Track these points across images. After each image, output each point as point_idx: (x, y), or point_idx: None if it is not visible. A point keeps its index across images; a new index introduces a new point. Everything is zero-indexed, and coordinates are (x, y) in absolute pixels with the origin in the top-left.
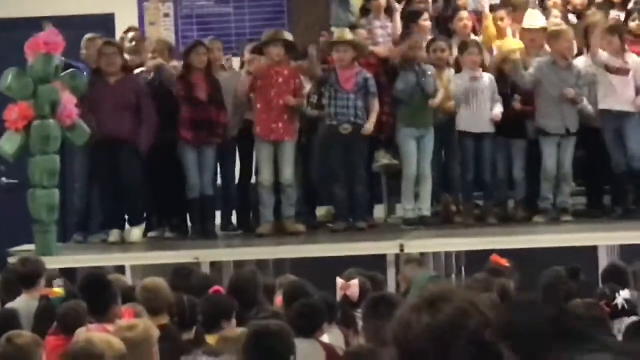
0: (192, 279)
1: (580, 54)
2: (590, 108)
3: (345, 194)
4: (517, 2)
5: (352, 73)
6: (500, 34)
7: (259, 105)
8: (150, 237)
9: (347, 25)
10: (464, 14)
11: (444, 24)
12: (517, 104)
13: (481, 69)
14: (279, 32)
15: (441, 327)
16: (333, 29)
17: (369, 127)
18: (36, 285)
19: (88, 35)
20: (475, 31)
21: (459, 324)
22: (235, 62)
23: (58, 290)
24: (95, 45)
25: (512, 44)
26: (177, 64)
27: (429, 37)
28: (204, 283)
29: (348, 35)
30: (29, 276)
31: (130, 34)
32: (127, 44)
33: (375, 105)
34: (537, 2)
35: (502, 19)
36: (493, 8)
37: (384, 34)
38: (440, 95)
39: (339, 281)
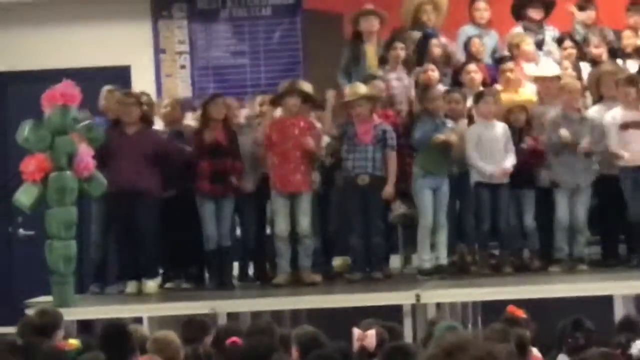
0: (212, 330)
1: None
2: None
3: (362, 245)
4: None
5: (370, 126)
6: (510, 85)
7: (275, 158)
8: (166, 288)
9: (358, 78)
10: (471, 67)
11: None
12: (526, 145)
13: (495, 119)
14: (295, 82)
15: None
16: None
17: (389, 190)
18: (53, 336)
19: (107, 87)
20: (485, 83)
21: None
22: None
23: (74, 342)
24: (114, 97)
25: (526, 95)
26: (190, 121)
27: (441, 88)
28: (220, 335)
29: (361, 89)
30: (45, 328)
31: (143, 99)
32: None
33: (393, 159)
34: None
35: (511, 71)
36: (502, 60)
37: (399, 86)
38: (454, 139)
39: (356, 331)
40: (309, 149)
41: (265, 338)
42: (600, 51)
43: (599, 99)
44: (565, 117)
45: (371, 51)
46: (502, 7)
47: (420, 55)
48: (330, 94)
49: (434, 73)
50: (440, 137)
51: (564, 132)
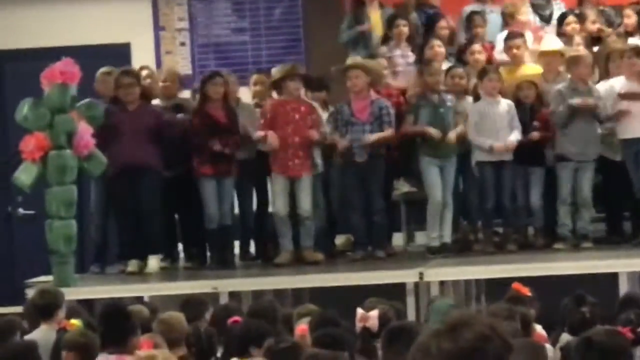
0: (212, 309)
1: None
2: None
3: (362, 223)
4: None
5: (366, 102)
6: (517, 61)
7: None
8: (167, 267)
9: (356, 42)
10: (476, 46)
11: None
12: (535, 134)
13: (500, 96)
14: (296, 66)
15: (461, 353)
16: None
17: (371, 137)
18: (54, 316)
19: (103, 69)
20: (490, 62)
21: (479, 348)
22: (243, 92)
23: (75, 322)
24: (111, 77)
25: (530, 70)
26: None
27: (445, 65)
28: (222, 313)
29: (359, 60)
30: (47, 307)
31: (144, 72)
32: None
33: (389, 135)
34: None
35: (518, 47)
36: (509, 36)
37: (404, 63)
38: (458, 130)
39: (359, 312)
40: (313, 139)
41: (266, 317)
42: (597, 27)
43: (605, 75)
44: (573, 89)
45: (375, 16)
46: None
47: (427, 36)
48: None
49: (440, 49)
50: (432, 131)
51: (576, 100)
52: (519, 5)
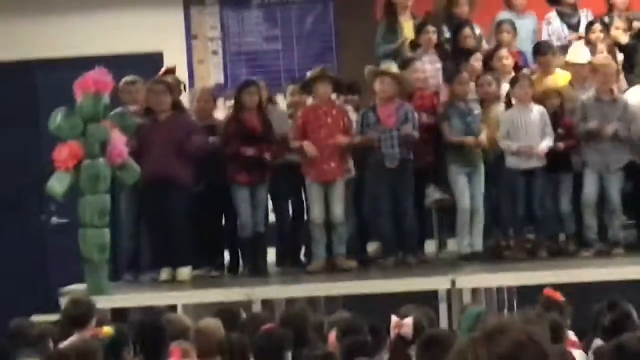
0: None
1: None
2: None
3: (392, 228)
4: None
5: (393, 108)
6: (547, 70)
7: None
8: (200, 276)
9: (391, 55)
10: (503, 52)
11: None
12: (560, 145)
13: (532, 103)
14: (326, 69)
15: None
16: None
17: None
18: (87, 325)
19: (126, 79)
20: (517, 68)
21: (516, 356)
22: (280, 99)
23: (108, 329)
24: (135, 87)
25: (559, 80)
26: (221, 113)
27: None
28: (254, 322)
29: (394, 68)
30: (80, 317)
31: (168, 78)
32: None
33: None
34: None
35: (548, 62)
36: (539, 50)
37: (432, 69)
38: (483, 136)
39: (393, 319)
40: (342, 144)
41: (298, 326)
42: (619, 33)
43: None
44: (597, 101)
45: (408, 26)
46: None
47: (453, 46)
48: (368, 69)
49: (478, 63)
50: (470, 140)
51: (592, 124)
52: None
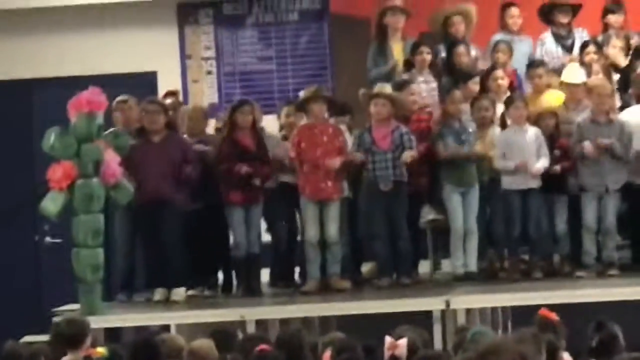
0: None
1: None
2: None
3: (387, 250)
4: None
5: (387, 130)
6: (539, 90)
7: (304, 167)
8: (194, 296)
9: (385, 77)
10: (499, 72)
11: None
12: (557, 168)
13: (527, 124)
14: (320, 88)
15: None
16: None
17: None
18: (81, 345)
19: (119, 98)
20: (511, 88)
21: None
22: (270, 121)
23: (101, 350)
24: (127, 105)
25: (552, 99)
26: (212, 130)
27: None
28: (248, 343)
29: (388, 89)
30: (74, 337)
31: (168, 100)
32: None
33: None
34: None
35: (540, 77)
36: (531, 64)
37: (427, 89)
38: (478, 152)
39: (387, 340)
40: (335, 167)
41: (293, 347)
42: (615, 52)
43: (638, 99)
44: (592, 122)
45: (398, 48)
46: (532, 11)
47: (447, 64)
48: (362, 91)
49: (475, 86)
50: (463, 152)
51: (588, 147)
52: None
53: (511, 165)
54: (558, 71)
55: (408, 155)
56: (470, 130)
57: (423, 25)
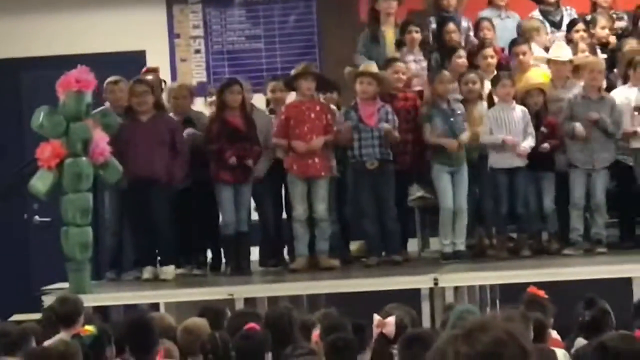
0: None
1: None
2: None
3: (375, 229)
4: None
5: (374, 108)
6: (524, 67)
7: (292, 143)
8: (182, 274)
9: (378, 59)
10: (488, 51)
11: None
12: (545, 146)
13: (514, 102)
14: (309, 65)
15: (478, 357)
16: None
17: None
18: (75, 324)
19: (110, 78)
20: (500, 66)
21: (495, 353)
22: (259, 99)
23: (90, 328)
24: (118, 86)
25: (537, 76)
26: (201, 107)
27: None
28: (238, 320)
29: (373, 68)
30: (68, 315)
31: (149, 77)
32: None
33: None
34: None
35: (524, 53)
36: (514, 42)
37: (417, 68)
38: (466, 135)
39: (376, 318)
40: (320, 145)
41: (283, 325)
42: (606, 33)
43: (624, 79)
44: (584, 99)
45: (390, 34)
46: None
47: (437, 40)
48: (348, 70)
49: (461, 60)
50: (450, 144)
51: (579, 128)
52: (539, 26)
53: (499, 138)
54: (546, 49)
55: (386, 126)
56: (459, 112)
57: (413, 3)
